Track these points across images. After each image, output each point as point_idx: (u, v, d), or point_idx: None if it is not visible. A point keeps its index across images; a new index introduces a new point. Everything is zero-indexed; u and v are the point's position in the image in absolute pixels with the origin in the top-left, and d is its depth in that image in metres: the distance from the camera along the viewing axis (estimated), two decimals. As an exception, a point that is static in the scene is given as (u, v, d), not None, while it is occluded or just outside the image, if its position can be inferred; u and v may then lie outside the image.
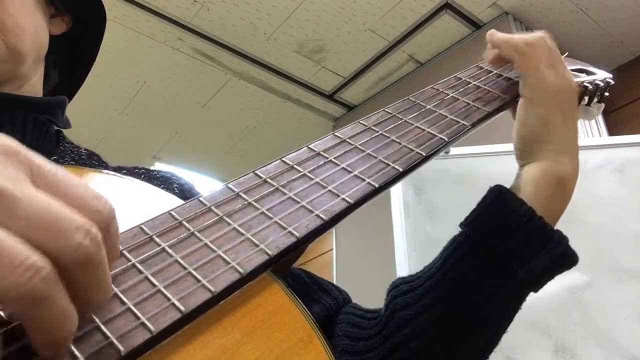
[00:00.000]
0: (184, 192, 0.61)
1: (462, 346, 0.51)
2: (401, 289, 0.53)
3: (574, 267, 0.53)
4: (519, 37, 0.58)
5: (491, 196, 0.53)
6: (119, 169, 0.63)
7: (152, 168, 0.64)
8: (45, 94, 0.64)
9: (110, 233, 0.28)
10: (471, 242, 0.52)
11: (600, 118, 2.42)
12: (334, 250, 2.90)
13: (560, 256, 0.51)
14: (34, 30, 0.57)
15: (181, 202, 0.41)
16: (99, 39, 0.70)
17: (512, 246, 0.50)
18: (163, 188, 0.60)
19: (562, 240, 0.52)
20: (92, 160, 0.62)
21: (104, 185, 0.43)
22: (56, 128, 0.62)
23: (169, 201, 0.43)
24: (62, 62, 0.68)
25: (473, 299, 0.50)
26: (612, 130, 2.48)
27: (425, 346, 0.50)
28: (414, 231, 1.65)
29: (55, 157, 0.58)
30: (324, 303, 0.56)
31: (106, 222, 0.28)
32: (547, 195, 0.53)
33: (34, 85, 0.60)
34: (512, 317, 0.53)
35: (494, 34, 0.60)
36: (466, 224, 0.53)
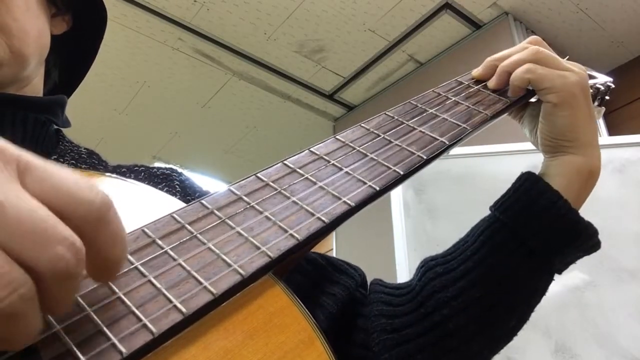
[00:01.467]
0: (185, 189, 0.61)
1: (496, 326, 0.53)
2: (437, 271, 0.55)
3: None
4: (518, 55, 0.58)
5: (526, 185, 0.54)
6: (118, 168, 0.63)
7: (151, 165, 0.64)
8: (45, 93, 0.64)
9: (106, 222, 0.28)
10: (507, 231, 0.53)
11: (600, 118, 2.42)
12: (334, 251, 2.91)
13: (591, 247, 0.55)
14: (37, 33, 0.57)
15: (182, 203, 0.41)
16: (100, 38, 0.70)
17: (550, 240, 0.53)
18: (164, 185, 0.60)
19: (595, 233, 0.54)
20: (92, 159, 0.62)
21: (105, 188, 0.43)
22: (56, 127, 0.62)
23: (171, 203, 0.44)
24: (62, 61, 0.68)
25: (508, 285, 0.53)
26: (612, 130, 2.48)
27: (462, 325, 0.52)
28: (414, 231, 1.65)
29: (55, 157, 0.58)
30: (343, 283, 0.57)
31: (100, 212, 0.27)
32: (578, 188, 0.55)
33: (35, 86, 0.61)
34: (540, 298, 0.55)
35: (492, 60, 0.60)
36: (501, 210, 0.54)
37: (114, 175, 0.46)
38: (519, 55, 0.58)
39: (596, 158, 0.56)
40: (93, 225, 0.27)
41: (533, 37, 0.62)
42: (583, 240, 0.54)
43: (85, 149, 0.64)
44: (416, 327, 0.53)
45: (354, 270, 0.61)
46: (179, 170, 0.65)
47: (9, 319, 0.23)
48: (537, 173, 0.56)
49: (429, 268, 0.56)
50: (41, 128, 0.58)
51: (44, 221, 0.25)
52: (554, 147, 0.57)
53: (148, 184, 0.55)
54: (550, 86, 0.55)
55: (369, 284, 0.61)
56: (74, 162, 0.59)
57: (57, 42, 0.63)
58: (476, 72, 0.61)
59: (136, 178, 0.60)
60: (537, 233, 0.52)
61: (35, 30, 0.56)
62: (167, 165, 0.66)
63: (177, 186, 0.61)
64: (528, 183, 0.54)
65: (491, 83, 0.60)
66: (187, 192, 0.61)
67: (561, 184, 0.54)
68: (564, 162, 0.56)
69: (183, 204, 0.40)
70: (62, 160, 0.58)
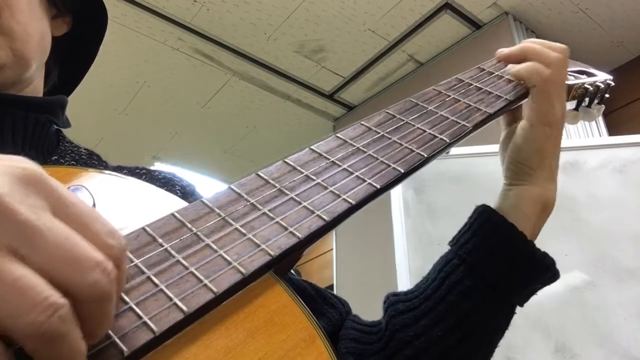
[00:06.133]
0: (186, 194, 0.61)
1: None
2: (398, 308, 0.55)
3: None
4: (548, 52, 0.58)
5: (481, 219, 0.55)
6: (119, 169, 0.63)
7: (153, 168, 0.64)
8: (44, 94, 0.64)
9: (119, 268, 0.28)
10: (465, 267, 0.53)
11: (600, 118, 2.43)
12: (334, 250, 2.90)
13: (549, 278, 0.55)
14: (39, 35, 0.57)
15: (182, 202, 0.41)
16: (100, 40, 0.70)
17: (507, 273, 0.53)
18: (165, 189, 0.60)
19: (551, 264, 0.54)
20: (92, 160, 0.62)
21: (106, 186, 0.43)
22: (56, 128, 0.62)
23: (171, 201, 0.44)
24: (62, 61, 0.68)
25: (470, 322, 0.52)
26: (612, 130, 2.48)
27: None
28: (414, 231, 1.65)
29: (55, 157, 0.58)
30: (329, 317, 0.57)
31: (118, 258, 0.28)
32: (534, 220, 0.55)
33: (36, 87, 0.61)
34: (503, 334, 0.55)
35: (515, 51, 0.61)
36: (458, 246, 0.55)
37: (114, 173, 0.46)
38: (550, 55, 0.58)
39: (551, 192, 0.56)
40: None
41: (563, 47, 0.60)
42: (541, 272, 0.54)
43: (85, 149, 0.64)
44: None
45: (342, 305, 0.61)
46: (181, 175, 0.65)
47: (52, 341, 0.24)
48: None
49: (390, 304, 0.56)
50: (42, 128, 0.58)
51: (80, 247, 0.26)
52: (515, 172, 0.57)
53: None
54: (541, 104, 0.56)
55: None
56: (74, 162, 0.59)
57: (57, 43, 0.63)
58: (505, 51, 0.61)
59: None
60: (494, 268, 0.52)
61: (37, 32, 0.57)
62: (170, 170, 0.66)
63: (178, 191, 0.61)
64: (483, 217, 0.54)
65: (505, 50, 0.60)
66: (187, 198, 0.60)
67: (517, 216, 0.54)
68: (522, 194, 0.56)
69: (182, 202, 0.40)
70: (62, 160, 0.58)
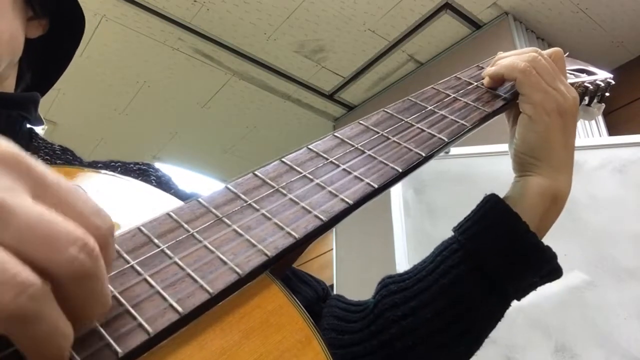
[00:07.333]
0: (161, 184, 0.61)
1: (444, 349, 0.52)
2: (390, 289, 0.55)
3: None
4: (517, 56, 0.58)
5: (487, 207, 0.54)
6: (94, 163, 0.62)
7: (127, 161, 0.64)
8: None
9: (107, 249, 0.27)
10: (463, 252, 0.53)
11: (600, 118, 2.42)
12: (334, 250, 2.90)
13: (548, 273, 0.53)
14: (9, 36, 0.57)
15: (178, 202, 0.41)
16: (76, 44, 0.70)
17: (504, 262, 0.52)
18: (140, 180, 0.59)
19: (552, 258, 0.53)
20: (66, 155, 0.61)
21: (100, 185, 0.42)
22: (29, 126, 0.61)
23: (168, 201, 0.43)
24: (36, 64, 0.67)
25: (460, 308, 0.52)
26: (612, 130, 2.48)
27: (409, 347, 0.51)
28: (414, 231, 1.64)
29: (29, 153, 0.58)
30: (303, 294, 0.57)
31: (104, 237, 0.27)
32: (541, 211, 0.54)
33: (6, 87, 0.60)
34: (494, 324, 0.54)
35: (499, 55, 0.60)
36: (460, 231, 0.54)
37: (110, 172, 0.45)
38: (518, 56, 0.58)
39: (562, 183, 0.55)
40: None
41: (556, 49, 0.60)
42: (540, 264, 0.53)
43: (58, 145, 0.63)
44: (364, 345, 0.52)
45: (317, 283, 0.60)
46: (156, 166, 0.65)
47: (25, 322, 0.23)
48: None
49: (384, 285, 0.56)
50: (14, 124, 0.58)
51: (54, 224, 0.25)
52: (522, 164, 0.56)
53: None
54: (530, 95, 0.55)
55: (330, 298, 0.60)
56: (48, 157, 0.58)
57: (32, 45, 0.63)
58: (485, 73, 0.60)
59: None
60: (492, 255, 0.52)
61: (7, 33, 0.56)
62: (169, 170, 0.66)
63: (153, 181, 0.61)
64: (489, 205, 0.54)
65: (485, 72, 0.59)
66: (162, 188, 0.60)
67: (524, 207, 0.53)
68: (528, 184, 0.55)
69: (178, 202, 0.40)
70: (35, 156, 0.57)
